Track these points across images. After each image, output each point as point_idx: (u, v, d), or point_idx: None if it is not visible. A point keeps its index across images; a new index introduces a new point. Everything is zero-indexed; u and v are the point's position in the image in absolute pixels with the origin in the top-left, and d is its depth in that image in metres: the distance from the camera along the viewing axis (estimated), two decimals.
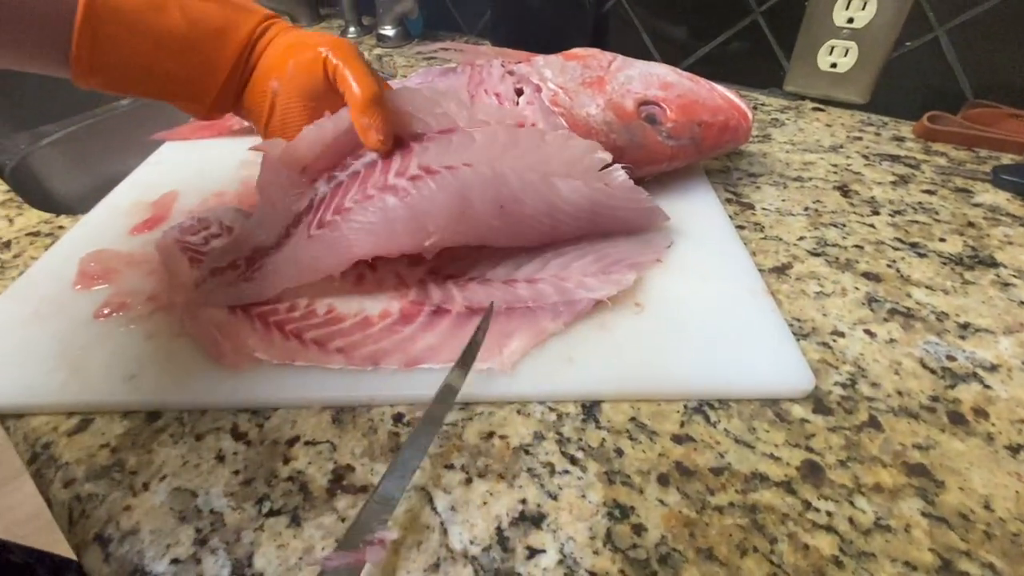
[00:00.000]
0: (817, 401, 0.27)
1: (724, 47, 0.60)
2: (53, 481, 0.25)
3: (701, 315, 0.30)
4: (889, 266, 0.35)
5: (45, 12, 0.26)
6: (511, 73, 0.41)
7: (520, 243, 0.33)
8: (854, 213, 0.40)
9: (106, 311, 0.32)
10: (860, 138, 0.50)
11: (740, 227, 0.39)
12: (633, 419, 0.26)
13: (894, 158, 0.46)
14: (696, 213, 0.39)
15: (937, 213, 0.40)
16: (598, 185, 0.32)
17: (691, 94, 0.38)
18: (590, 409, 0.27)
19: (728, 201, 0.42)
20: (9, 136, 0.67)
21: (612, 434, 0.26)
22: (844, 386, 0.27)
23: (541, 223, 0.32)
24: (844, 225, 0.39)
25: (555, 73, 0.38)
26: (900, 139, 0.49)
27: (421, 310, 0.31)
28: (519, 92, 0.40)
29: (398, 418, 0.27)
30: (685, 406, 0.27)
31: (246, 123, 0.51)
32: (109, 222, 0.40)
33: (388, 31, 0.74)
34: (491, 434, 0.26)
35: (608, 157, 0.32)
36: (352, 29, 0.79)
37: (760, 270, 0.34)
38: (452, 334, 0.29)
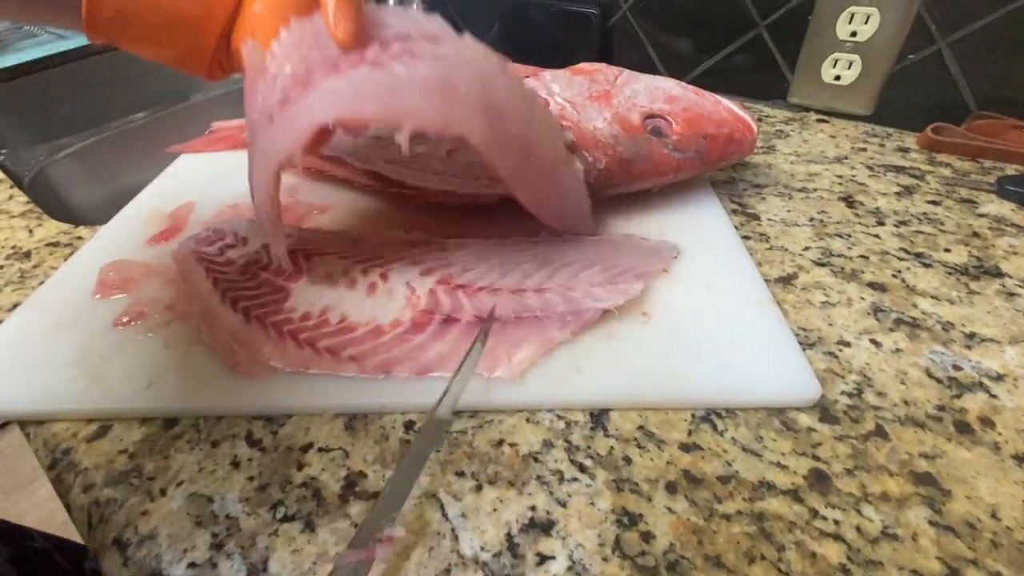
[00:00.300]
0: (823, 410, 0.27)
1: (728, 60, 0.60)
2: (73, 486, 0.26)
3: (707, 324, 0.31)
4: (895, 276, 0.35)
5: None
6: None
7: (491, 156, 0.29)
8: (859, 224, 0.40)
9: (125, 320, 0.33)
10: (864, 149, 0.50)
11: (746, 237, 0.39)
12: (641, 427, 0.27)
13: (899, 169, 0.47)
14: (702, 224, 0.39)
15: (942, 223, 0.40)
16: (563, 164, 0.32)
17: (696, 107, 0.39)
18: (598, 417, 0.27)
19: (733, 212, 0.42)
20: (27, 148, 0.68)
21: (620, 442, 0.26)
22: (850, 395, 0.28)
23: (513, 152, 0.30)
24: (849, 235, 0.39)
25: (562, 87, 0.39)
26: (904, 150, 0.50)
27: (432, 319, 0.31)
28: None
29: (409, 425, 0.27)
30: (692, 415, 0.27)
31: None
32: (127, 233, 0.41)
33: None
34: (501, 442, 0.26)
35: (571, 137, 0.32)
36: None
37: (766, 280, 0.34)
38: (462, 343, 0.30)
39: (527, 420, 0.27)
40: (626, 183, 0.38)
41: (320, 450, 0.26)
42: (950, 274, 0.35)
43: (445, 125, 0.27)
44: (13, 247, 0.43)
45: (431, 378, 0.28)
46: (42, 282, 0.38)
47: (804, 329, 0.32)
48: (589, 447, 0.26)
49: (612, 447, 0.26)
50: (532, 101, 0.31)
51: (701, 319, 0.31)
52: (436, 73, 0.26)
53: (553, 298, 0.32)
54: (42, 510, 1.20)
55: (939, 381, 0.28)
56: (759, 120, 0.56)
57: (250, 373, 0.29)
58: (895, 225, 0.40)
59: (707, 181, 0.44)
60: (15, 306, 0.36)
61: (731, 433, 0.26)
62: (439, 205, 0.40)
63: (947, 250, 0.37)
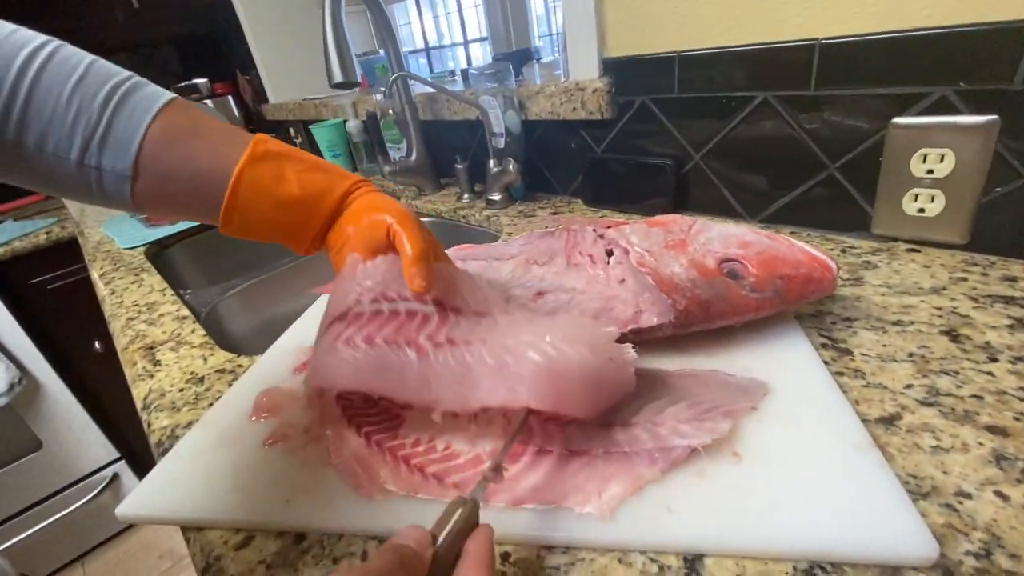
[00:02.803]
0: (946, 572, 0.25)
1: (805, 195, 0.63)
2: None
3: (803, 468, 0.30)
4: (1017, 419, 0.33)
5: (210, 189, 0.37)
6: (601, 237, 0.48)
7: (585, 416, 0.32)
8: (967, 360, 0.38)
9: (271, 441, 0.39)
10: (965, 279, 0.49)
11: (839, 374, 0.39)
12: None
13: (1008, 300, 0.45)
14: (788, 359, 0.40)
15: None
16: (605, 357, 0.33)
17: (771, 250, 0.42)
18: (692, 563, 0.27)
19: (823, 346, 0.42)
20: (206, 288, 0.86)
21: None
22: (978, 556, 0.25)
23: (603, 403, 0.34)
24: (957, 373, 0.37)
25: (640, 238, 0.44)
26: (1012, 279, 0.47)
27: (525, 450, 0.34)
28: (609, 253, 0.47)
29: (505, 556, 0.29)
30: (794, 567, 0.26)
31: None
32: (279, 362, 0.50)
33: (495, 196, 0.88)
34: None
35: (616, 332, 0.34)
36: (466, 195, 0.95)
37: (864, 421, 0.34)
38: (553, 475, 0.32)
39: (619, 560, 0.28)
40: (707, 322, 0.40)
41: None
42: None
43: (556, 409, 0.31)
44: (192, 373, 0.54)
45: (524, 509, 0.30)
46: (211, 404, 0.47)
47: (914, 476, 0.30)
48: None
49: None
50: (618, 351, 0.34)
51: (796, 462, 0.31)
52: (461, 365, 0.33)
53: (640, 433, 0.33)
54: None
55: None
56: (843, 251, 0.57)
57: (369, 494, 0.33)
58: (1010, 361, 0.38)
59: (791, 315, 0.45)
60: (190, 423, 0.44)
61: None
62: None
63: None
